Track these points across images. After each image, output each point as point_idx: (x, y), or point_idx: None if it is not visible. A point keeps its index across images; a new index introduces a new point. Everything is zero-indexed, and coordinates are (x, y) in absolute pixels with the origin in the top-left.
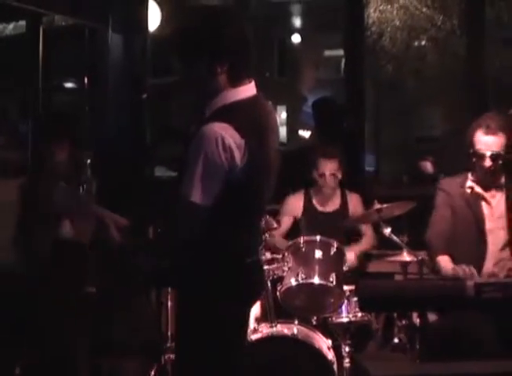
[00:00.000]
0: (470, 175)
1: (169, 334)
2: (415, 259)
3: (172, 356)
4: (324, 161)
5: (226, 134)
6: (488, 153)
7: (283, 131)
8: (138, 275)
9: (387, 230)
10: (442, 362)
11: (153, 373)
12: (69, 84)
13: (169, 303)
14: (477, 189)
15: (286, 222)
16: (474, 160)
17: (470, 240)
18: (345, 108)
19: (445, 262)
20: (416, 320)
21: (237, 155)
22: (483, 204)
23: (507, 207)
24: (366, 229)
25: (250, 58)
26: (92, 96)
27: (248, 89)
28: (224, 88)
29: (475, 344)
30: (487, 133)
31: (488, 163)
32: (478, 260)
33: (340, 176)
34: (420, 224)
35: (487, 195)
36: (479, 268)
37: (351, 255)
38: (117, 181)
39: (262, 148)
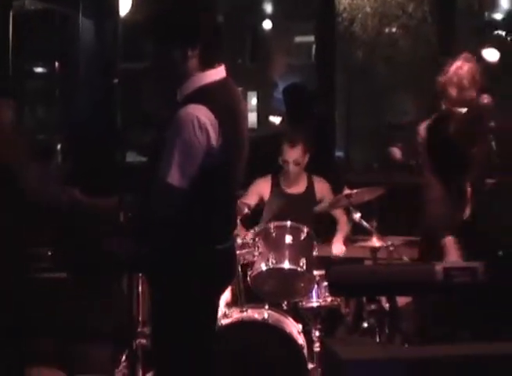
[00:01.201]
0: None
1: (140, 319)
2: (384, 245)
3: (143, 341)
4: (287, 148)
5: (201, 115)
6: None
7: (253, 117)
8: (111, 261)
9: (357, 216)
10: (411, 345)
11: (123, 358)
12: (40, 69)
13: (140, 288)
14: None
15: (253, 198)
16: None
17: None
18: (316, 94)
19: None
20: (386, 305)
21: (213, 135)
22: None
23: None
24: (340, 215)
25: (221, 43)
26: (63, 81)
27: (218, 72)
28: (194, 72)
29: (444, 328)
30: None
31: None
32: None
33: (304, 162)
34: (389, 210)
35: None
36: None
37: (339, 247)
38: (88, 165)
39: (235, 130)
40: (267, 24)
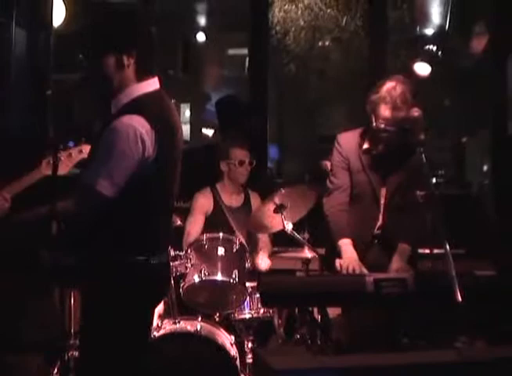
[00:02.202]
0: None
1: (72, 331)
2: (316, 256)
3: (75, 353)
4: (235, 149)
5: (138, 124)
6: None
7: (186, 129)
8: (41, 274)
9: (289, 227)
10: (342, 355)
11: (56, 370)
12: None
13: (72, 300)
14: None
15: (200, 220)
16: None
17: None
18: (248, 107)
19: (345, 247)
20: (318, 316)
21: (149, 145)
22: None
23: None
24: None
25: (155, 54)
26: None
27: (152, 84)
28: (129, 83)
29: (374, 338)
30: (382, 84)
31: (382, 111)
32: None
33: (251, 165)
34: (320, 222)
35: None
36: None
37: (267, 261)
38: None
39: (170, 140)
40: (200, 36)
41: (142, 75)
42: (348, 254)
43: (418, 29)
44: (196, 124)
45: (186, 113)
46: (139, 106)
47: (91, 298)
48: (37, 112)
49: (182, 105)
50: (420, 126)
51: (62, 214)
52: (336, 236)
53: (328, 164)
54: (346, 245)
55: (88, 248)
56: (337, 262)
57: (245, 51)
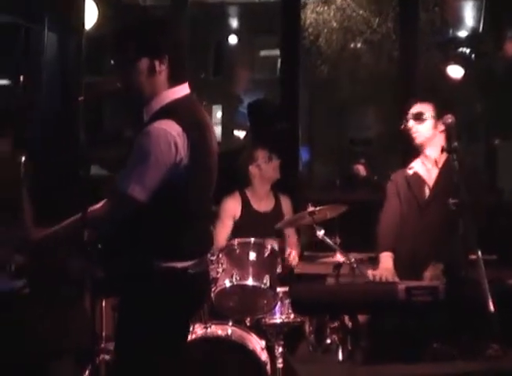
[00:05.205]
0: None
1: (103, 334)
2: (347, 261)
3: (106, 357)
4: (259, 149)
5: (171, 129)
6: (410, 115)
7: (218, 131)
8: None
9: (321, 232)
10: (373, 364)
11: (86, 374)
12: (3, 82)
13: (103, 303)
14: (419, 170)
15: (228, 224)
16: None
17: (412, 221)
18: (280, 109)
19: (384, 259)
20: (348, 322)
21: (181, 149)
22: (423, 185)
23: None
24: (292, 234)
25: (185, 59)
26: (26, 96)
27: (183, 89)
28: (161, 89)
29: (404, 346)
30: (412, 104)
31: (410, 124)
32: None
33: (276, 179)
34: (351, 226)
35: (426, 175)
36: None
37: (296, 257)
38: (51, 182)
39: (204, 144)
40: (232, 39)
41: (173, 81)
42: (384, 265)
43: (451, 31)
44: (227, 125)
45: (218, 114)
46: (171, 111)
47: (127, 307)
48: (67, 117)
49: (214, 106)
50: (454, 133)
51: (95, 221)
52: (379, 250)
53: (360, 167)
54: (385, 257)
55: (123, 257)
56: (370, 272)
57: (277, 52)
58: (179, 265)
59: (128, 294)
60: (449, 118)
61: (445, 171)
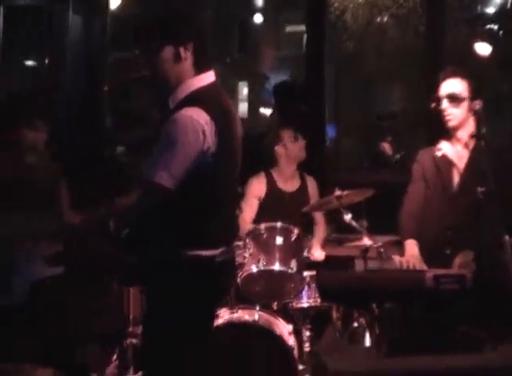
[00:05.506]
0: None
1: (130, 318)
2: (374, 245)
3: (133, 341)
4: (284, 130)
5: (197, 116)
6: (444, 94)
7: (244, 107)
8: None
9: (348, 216)
10: (400, 354)
11: (114, 357)
12: (29, 63)
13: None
14: (448, 152)
15: (254, 205)
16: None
17: (437, 205)
18: (305, 88)
19: (410, 246)
20: (375, 309)
21: (208, 137)
22: (452, 168)
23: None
24: (320, 218)
25: (209, 46)
26: (52, 77)
27: (208, 76)
28: (187, 76)
29: (433, 335)
30: (445, 78)
31: (444, 105)
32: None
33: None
34: (378, 208)
35: (456, 158)
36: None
37: (319, 253)
38: (76, 163)
39: (229, 130)
40: (257, 17)
41: (199, 68)
42: (410, 252)
43: (479, 7)
44: (253, 102)
45: (244, 91)
46: (198, 98)
47: (154, 295)
48: (92, 98)
49: (240, 83)
50: (483, 118)
51: (123, 210)
52: (403, 236)
53: (386, 145)
54: (410, 244)
55: (150, 246)
56: (397, 258)
57: (303, 28)
58: (206, 253)
59: (155, 282)
60: (478, 104)
61: (475, 157)
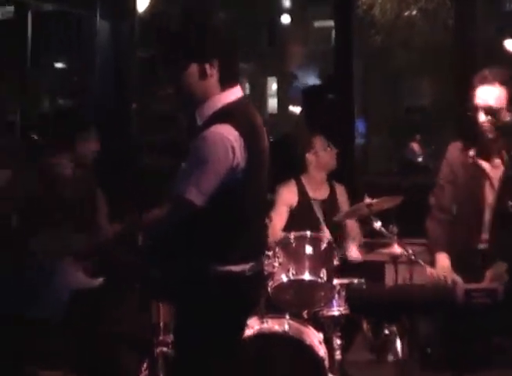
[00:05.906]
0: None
1: (161, 325)
2: (405, 252)
3: (164, 350)
4: (316, 137)
5: (228, 134)
6: (481, 104)
7: (273, 103)
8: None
9: (378, 224)
10: (433, 368)
11: (144, 366)
12: (58, 65)
13: None
14: (482, 162)
15: (284, 213)
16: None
17: (469, 217)
18: (334, 84)
19: (441, 258)
20: (406, 322)
21: (238, 153)
22: (485, 180)
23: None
24: (352, 224)
25: (237, 59)
26: (80, 80)
27: (235, 92)
28: (213, 93)
29: (466, 349)
30: (482, 83)
31: (481, 118)
32: (475, 235)
33: (334, 159)
34: (408, 213)
35: (489, 170)
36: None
37: (357, 252)
38: (104, 167)
39: (257, 145)
40: (285, 18)
41: (225, 84)
42: (441, 263)
43: (507, 5)
44: (282, 99)
45: (273, 86)
46: (226, 115)
47: (183, 312)
48: (120, 102)
49: (269, 78)
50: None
51: (151, 224)
52: (433, 248)
53: (414, 145)
54: (441, 256)
55: (178, 262)
56: (428, 270)
57: (331, 23)
58: (235, 268)
59: (183, 298)
60: (509, 116)
61: (509, 169)
